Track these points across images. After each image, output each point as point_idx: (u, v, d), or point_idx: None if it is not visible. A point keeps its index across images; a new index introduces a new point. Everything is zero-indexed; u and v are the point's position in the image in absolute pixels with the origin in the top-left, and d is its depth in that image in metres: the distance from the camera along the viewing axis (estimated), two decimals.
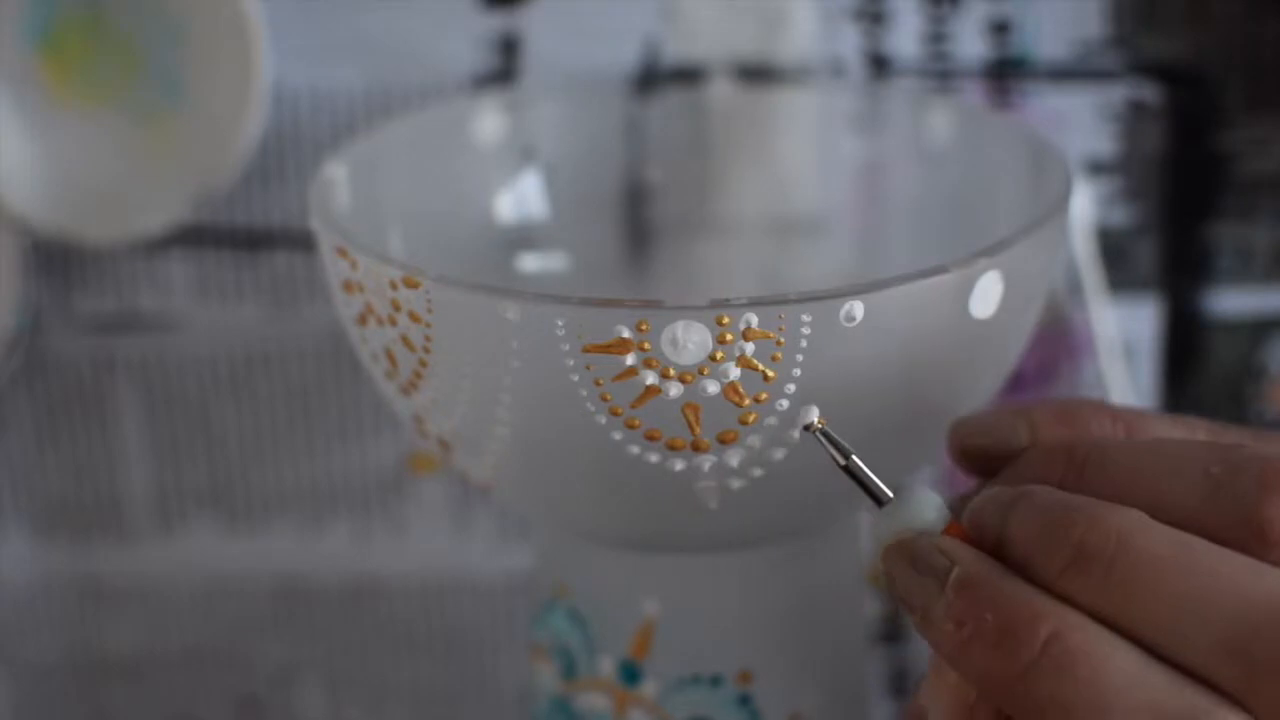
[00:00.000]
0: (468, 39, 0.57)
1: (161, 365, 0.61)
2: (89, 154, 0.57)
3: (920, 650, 0.62)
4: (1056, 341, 0.58)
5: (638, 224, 0.56)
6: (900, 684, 0.62)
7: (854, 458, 0.38)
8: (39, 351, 0.61)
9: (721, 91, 0.56)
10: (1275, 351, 0.59)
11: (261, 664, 0.64)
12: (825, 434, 0.39)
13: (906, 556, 0.37)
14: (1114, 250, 0.58)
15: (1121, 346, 0.58)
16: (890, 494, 0.38)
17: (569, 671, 0.47)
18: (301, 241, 0.59)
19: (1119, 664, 0.34)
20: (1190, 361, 0.59)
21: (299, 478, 0.62)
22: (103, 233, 0.57)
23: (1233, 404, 0.59)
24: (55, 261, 0.60)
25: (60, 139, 0.57)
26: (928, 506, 0.38)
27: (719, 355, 0.38)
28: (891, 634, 0.62)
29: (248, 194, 0.59)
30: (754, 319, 0.38)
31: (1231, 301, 0.58)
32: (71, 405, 0.61)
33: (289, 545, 0.62)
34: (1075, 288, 0.57)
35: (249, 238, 0.59)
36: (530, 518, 0.48)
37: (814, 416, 0.39)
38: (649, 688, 0.46)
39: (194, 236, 0.59)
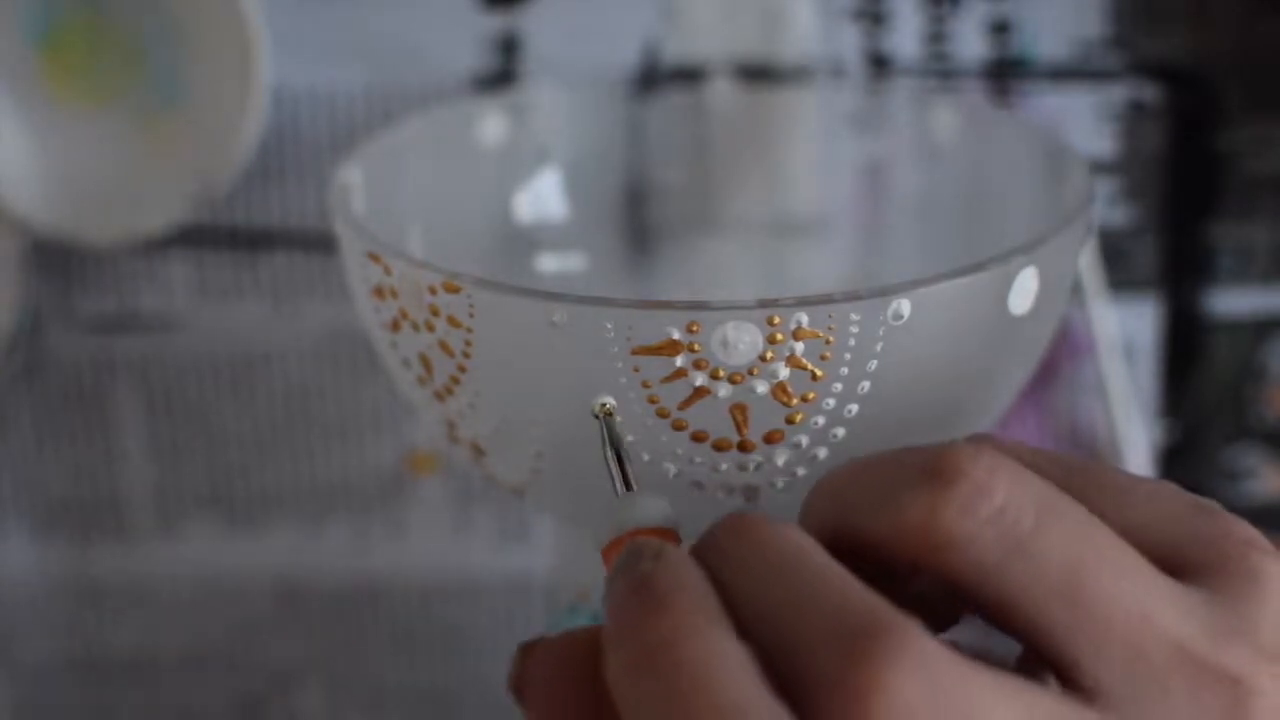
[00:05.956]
0: (468, 39, 0.57)
1: (161, 365, 0.61)
2: (89, 154, 0.57)
3: None
4: (1057, 341, 0.58)
5: (639, 224, 0.56)
6: None
7: (622, 450, 0.39)
8: (39, 351, 0.61)
9: (722, 91, 0.56)
10: (1275, 351, 0.59)
11: (261, 664, 0.64)
12: (608, 422, 0.39)
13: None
14: (1114, 250, 0.58)
15: (1121, 346, 0.58)
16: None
17: None
18: (301, 241, 0.59)
19: (724, 683, 0.31)
20: (1190, 361, 0.59)
21: (299, 478, 0.62)
22: (103, 233, 0.57)
23: (1233, 404, 0.59)
24: (55, 261, 0.60)
25: (60, 139, 0.57)
26: (655, 509, 0.37)
27: (769, 355, 0.38)
28: None
29: (248, 194, 0.59)
30: (804, 318, 0.38)
31: (1231, 301, 0.58)
32: (71, 405, 0.61)
33: (289, 545, 0.62)
34: (1075, 288, 0.57)
35: (249, 238, 0.59)
36: (559, 521, 0.48)
37: (606, 400, 0.39)
38: None
39: (194, 236, 0.59)
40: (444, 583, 0.62)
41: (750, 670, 0.31)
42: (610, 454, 0.39)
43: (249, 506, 0.62)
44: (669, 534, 0.36)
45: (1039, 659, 0.33)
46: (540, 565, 0.61)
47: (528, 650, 0.35)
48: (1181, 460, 0.59)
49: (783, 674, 0.31)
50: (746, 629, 0.32)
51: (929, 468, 0.33)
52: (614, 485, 0.38)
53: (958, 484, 0.32)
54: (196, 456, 0.62)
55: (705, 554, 0.34)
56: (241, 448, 0.61)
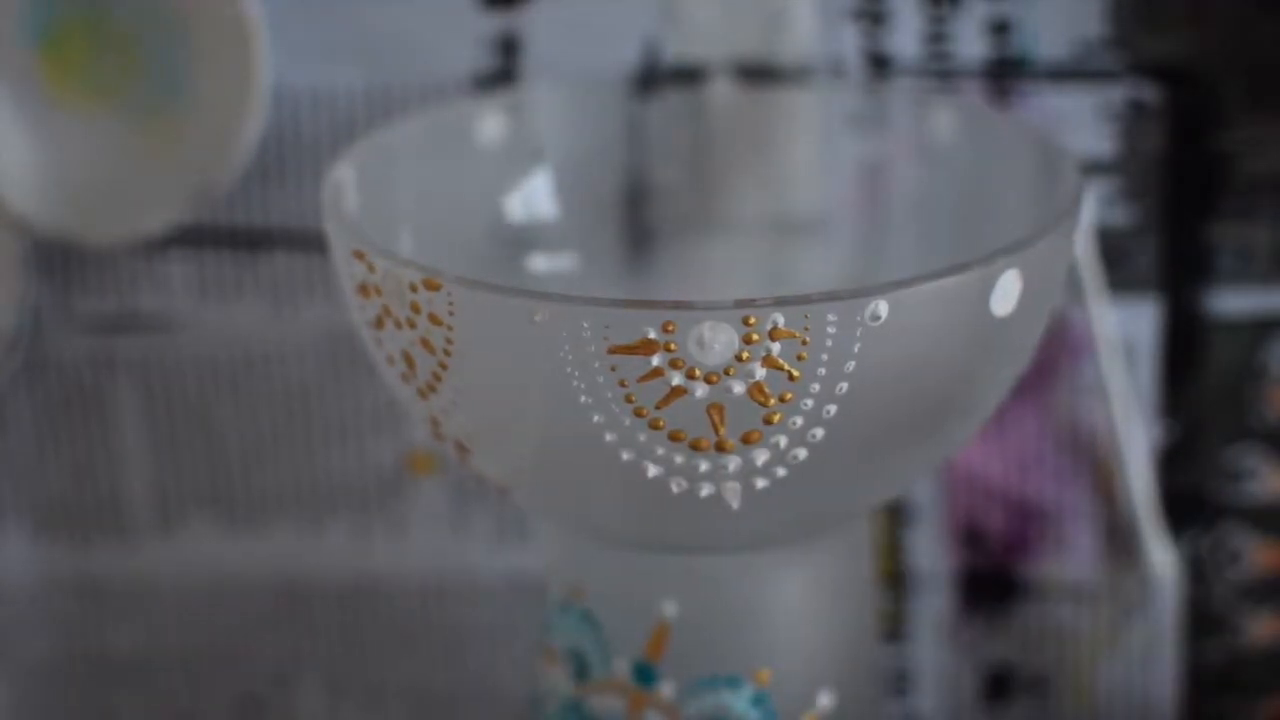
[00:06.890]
0: (468, 39, 0.57)
1: (161, 365, 0.61)
2: (89, 154, 0.57)
3: (920, 650, 0.62)
4: (1056, 341, 0.58)
5: (639, 224, 0.56)
6: (900, 684, 0.62)
7: None
8: (39, 351, 0.61)
9: (721, 91, 0.56)
10: (1275, 351, 0.59)
11: (261, 664, 0.64)
12: None
13: None
14: (1114, 250, 0.58)
15: (1121, 346, 0.58)
16: None
17: (582, 674, 0.47)
18: (301, 241, 0.59)
19: None
20: (1190, 361, 0.59)
21: (299, 478, 0.62)
22: (103, 233, 0.57)
23: (1233, 404, 0.59)
24: (55, 261, 0.60)
25: (60, 139, 0.57)
26: None
27: (745, 355, 0.38)
28: (892, 634, 0.62)
29: (248, 194, 0.59)
30: (780, 319, 0.38)
31: (1231, 301, 0.58)
32: (71, 405, 0.61)
33: (289, 545, 0.62)
34: (1075, 288, 0.57)
35: (249, 238, 0.59)
36: (547, 519, 0.48)
37: None
38: (665, 689, 0.46)
39: (194, 236, 0.59)
40: (444, 583, 0.62)
41: None
42: None
43: (249, 506, 0.62)
44: None
45: None
46: (540, 565, 0.61)
47: None
48: (1181, 460, 0.59)
49: None
50: None
51: None
52: None
53: None
54: (196, 456, 0.62)
55: None
56: (241, 448, 0.62)
